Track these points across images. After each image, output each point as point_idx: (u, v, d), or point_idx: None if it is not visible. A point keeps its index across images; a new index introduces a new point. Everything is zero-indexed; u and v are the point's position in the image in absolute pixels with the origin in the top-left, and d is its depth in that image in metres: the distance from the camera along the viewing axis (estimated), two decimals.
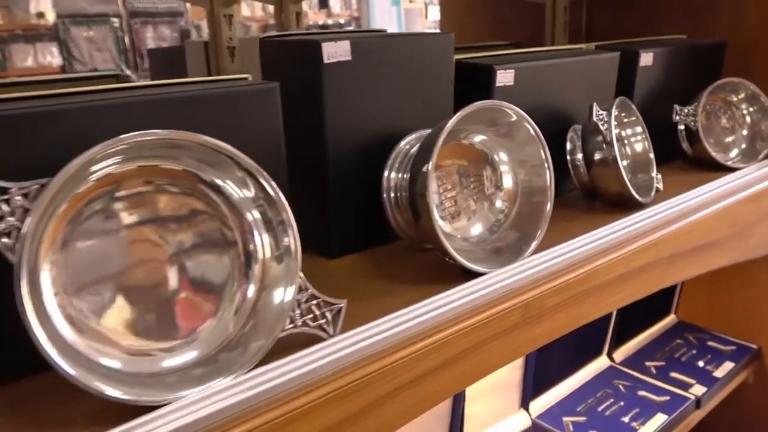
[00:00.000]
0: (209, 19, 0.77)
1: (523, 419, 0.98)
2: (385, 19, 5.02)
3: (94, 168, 0.40)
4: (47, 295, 0.39)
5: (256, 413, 0.42)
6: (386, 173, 0.65)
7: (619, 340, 1.14)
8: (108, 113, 0.45)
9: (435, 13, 5.25)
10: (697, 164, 0.97)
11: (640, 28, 1.26)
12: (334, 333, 0.48)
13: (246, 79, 0.59)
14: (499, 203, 0.66)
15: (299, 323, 0.47)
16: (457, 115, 0.57)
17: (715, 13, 1.18)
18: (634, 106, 0.83)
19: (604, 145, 0.76)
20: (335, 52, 0.61)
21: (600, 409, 1.01)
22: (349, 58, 0.62)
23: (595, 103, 0.75)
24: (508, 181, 0.65)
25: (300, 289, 0.47)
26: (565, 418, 0.98)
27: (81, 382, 0.37)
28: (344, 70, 0.62)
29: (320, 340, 0.48)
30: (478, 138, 0.64)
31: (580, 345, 1.07)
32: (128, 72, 4.55)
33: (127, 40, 4.60)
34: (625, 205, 0.77)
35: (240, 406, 0.42)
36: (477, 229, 0.65)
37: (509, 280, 0.58)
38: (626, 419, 0.98)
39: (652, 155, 0.84)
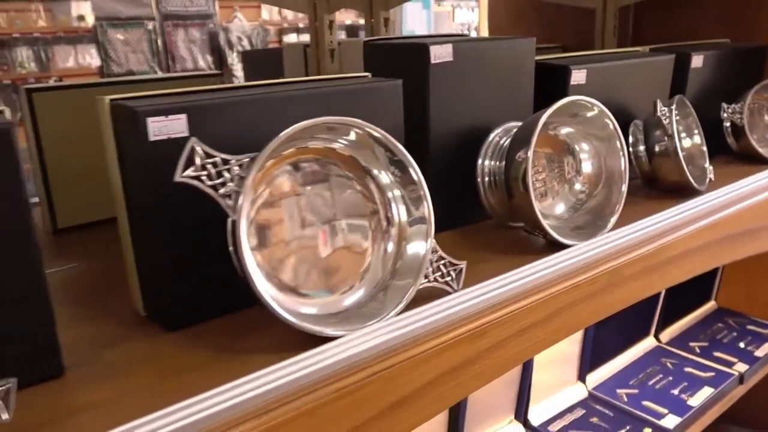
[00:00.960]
0: (311, 24, 0.87)
1: (581, 390, 1.07)
2: (416, 21, 5.13)
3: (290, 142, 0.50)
4: (247, 250, 0.49)
5: (406, 348, 0.52)
6: (480, 161, 0.74)
7: (664, 323, 1.23)
8: (283, 103, 0.55)
9: (461, 15, 5.35)
10: (741, 158, 1.05)
11: (682, 33, 1.34)
12: (458, 288, 0.58)
13: (367, 77, 0.68)
14: (578, 186, 0.75)
15: (431, 279, 0.56)
16: (552, 107, 0.66)
17: (754, 19, 1.27)
18: (689, 104, 0.92)
19: (666, 138, 0.84)
20: (441, 53, 0.70)
21: (650, 383, 1.09)
22: (450, 59, 0.72)
23: (658, 100, 0.84)
24: (587, 167, 0.75)
25: (433, 251, 0.56)
26: (618, 390, 1.07)
27: (298, 324, 0.47)
28: (446, 69, 0.71)
29: (446, 294, 0.57)
30: (564, 130, 0.73)
31: (630, 326, 1.16)
32: (160, 73, 4.68)
33: (159, 42, 4.72)
34: (682, 192, 0.86)
35: (393, 342, 0.52)
36: (560, 208, 0.74)
37: (595, 251, 0.67)
38: (676, 392, 1.06)
39: (704, 148, 0.93)
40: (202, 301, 0.55)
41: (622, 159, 0.73)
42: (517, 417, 0.98)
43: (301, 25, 5.39)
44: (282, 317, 0.47)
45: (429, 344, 0.54)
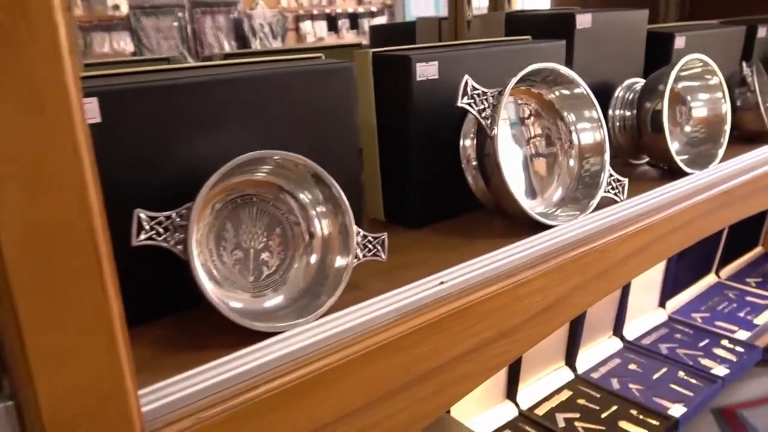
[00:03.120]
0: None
1: (661, 314, 1.25)
2: (421, 4, 5.27)
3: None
4: (503, 160, 0.67)
5: (602, 236, 0.70)
6: (610, 111, 0.92)
7: (723, 264, 1.41)
8: (486, 56, 0.73)
9: None
10: None
11: (734, 9, 1.52)
12: (624, 198, 0.76)
13: (528, 39, 0.86)
14: (688, 128, 0.93)
15: (607, 190, 0.74)
16: (679, 63, 0.84)
17: None
18: (762, 67, 1.10)
19: (749, 93, 1.02)
20: (584, 21, 0.88)
21: (719, 308, 1.28)
22: (589, 26, 0.89)
23: (744, 62, 1.02)
24: (697, 113, 0.92)
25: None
26: (693, 314, 1.25)
27: (535, 217, 0.65)
28: (586, 35, 0.89)
29: (614, 202, 0.75)
30: (680, 84, 0.91)
31: (696, 265, 1.34)
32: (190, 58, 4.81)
33: (189, 29, 4.85)
34: (759, 139, 1.04)
35: (593, 230, 0.70)
36: (675, 146, 0.92)
37: (711, 176, 0.85)
38: (741, 314, 1.25)
39: None
40: (434, 207, 0.72)
41: (724, 105, 0.91)
42: (615, 333, 1.16)
43: (315, 12, 5.55)
44: (527, 212, 0.65)
45: (614, 234, 0.72)
